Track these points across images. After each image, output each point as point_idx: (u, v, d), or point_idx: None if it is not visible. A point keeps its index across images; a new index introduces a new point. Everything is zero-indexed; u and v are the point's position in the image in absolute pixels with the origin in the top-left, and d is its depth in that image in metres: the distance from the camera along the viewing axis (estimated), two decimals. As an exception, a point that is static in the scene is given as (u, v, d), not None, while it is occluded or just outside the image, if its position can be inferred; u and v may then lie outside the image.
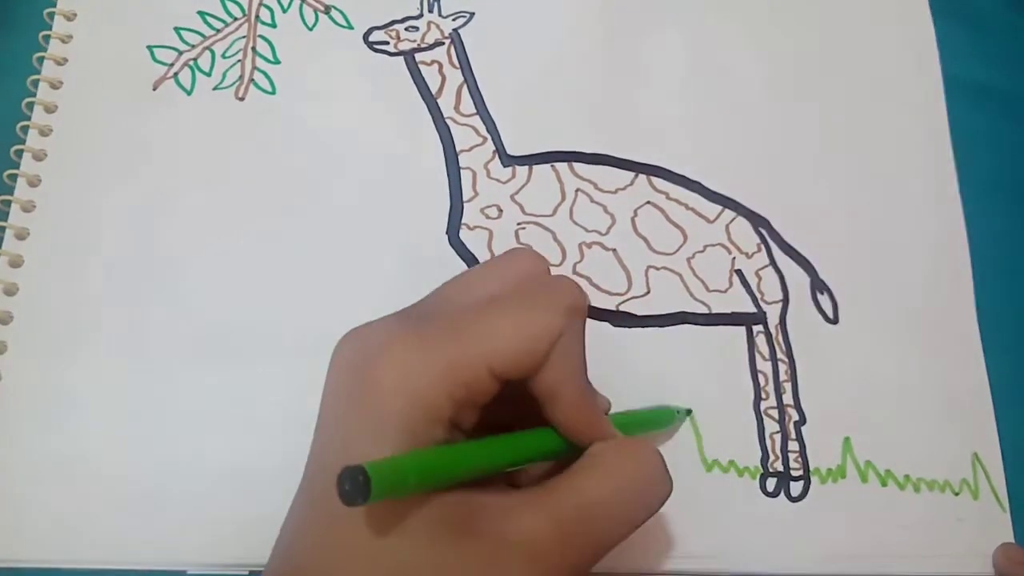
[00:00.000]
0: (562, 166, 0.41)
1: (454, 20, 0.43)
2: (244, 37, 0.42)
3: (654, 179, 0.41)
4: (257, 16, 0.42)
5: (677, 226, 0.40)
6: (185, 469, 0.35)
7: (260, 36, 0.42)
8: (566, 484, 0.26)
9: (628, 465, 0.27)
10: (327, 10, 0.43)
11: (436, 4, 0.43)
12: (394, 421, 0.25)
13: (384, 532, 0.24)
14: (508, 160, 0.41)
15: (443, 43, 0.42)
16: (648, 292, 0.39)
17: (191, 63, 0.41)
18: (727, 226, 0.41)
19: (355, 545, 0.24)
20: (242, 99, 0.41)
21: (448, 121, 0.41)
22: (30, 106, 0.40)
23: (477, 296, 0.28)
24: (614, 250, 0.40)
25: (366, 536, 0.24)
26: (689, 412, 0.37)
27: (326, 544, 0.25)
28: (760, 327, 0.39)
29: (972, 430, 0.39)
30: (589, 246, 0.40)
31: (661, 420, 0.36)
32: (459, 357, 0.25)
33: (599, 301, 0.39)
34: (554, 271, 0.39)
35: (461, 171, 0.40)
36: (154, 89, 0.41)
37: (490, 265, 0.30)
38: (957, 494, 0.38)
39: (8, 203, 0.38)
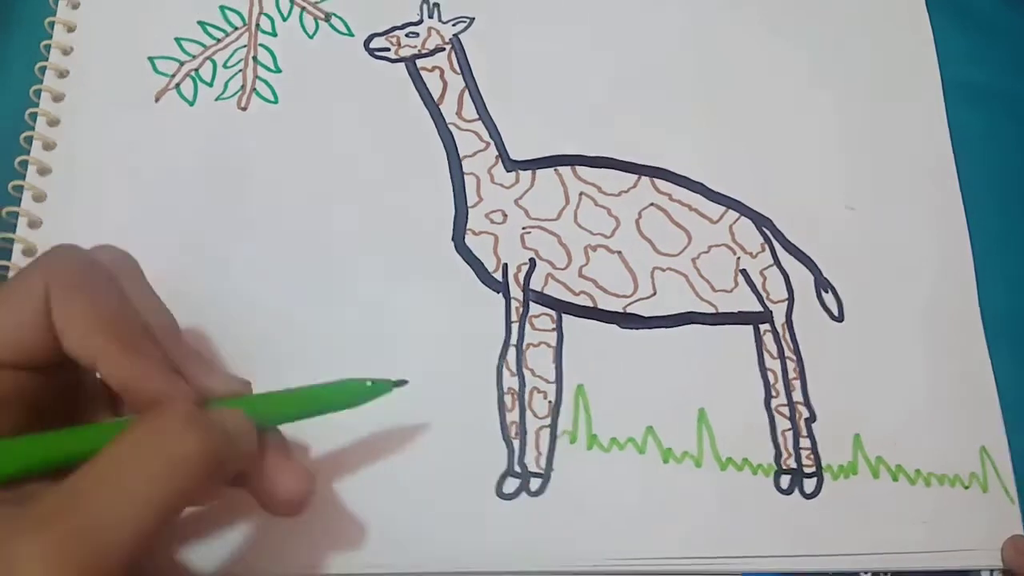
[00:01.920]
0: (565, 170, 0.41)
1: (454, 25, 0.43)
2: (245, 46, 0.42)
3: (657, 181, 0.41)
4: (257, 25, 0.42)
5: (681, 227, 0.41)
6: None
7: (261, 45, 0.42)
8: (78, 478, 0.23)
9: (126, 434, 0.23)
10: (327, 18, 0.43)
11: (436, 10, 0.43)
12: None
13: None
14: (511, 165, 0.41)
15: (444, 49, 0.43)
16: (655, 293, 0.39)
17: (192, 73, 0.41)
18: (730, 226, 0.41)
19: None
20: (245, 109, 0.41)
21: (451, 127, 0.41)
22: (32, 116, 0.40)
23: None
24: (619, 252, 0.40)
25: None
26: (400, 383, 0.31)
27: None
28: (767, 326, 0.39)
29: (979, 423, 0.39)
30: (594, 249, 0.40)
31: (333, 400, 0.31)
32: None
33: (606, 304, 0.39)
34: (560, 274, 0.39)
35: (465, 176, 0.40)
36: (156, 100, 0.41)
37: None
38: (967, 488, 0.38)
39: (15, 215, 0.38)
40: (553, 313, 0.39)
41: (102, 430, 0.26)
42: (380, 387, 0.31)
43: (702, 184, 0.41)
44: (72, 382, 0.28)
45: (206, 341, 0.37)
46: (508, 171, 0.41)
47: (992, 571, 0.37)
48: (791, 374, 0.39)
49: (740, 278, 0.40)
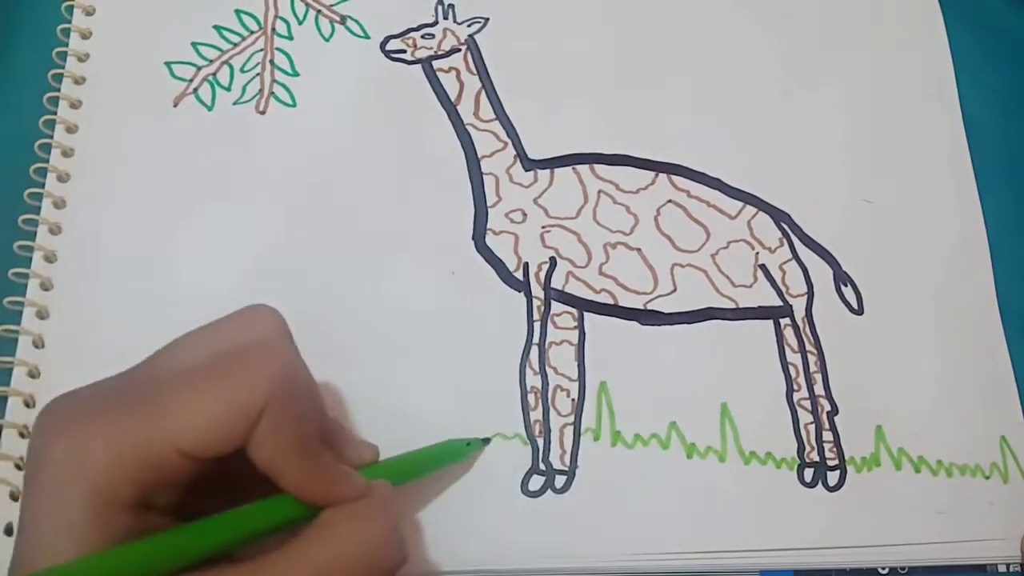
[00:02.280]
0: (583, 168, 0.41)
1: (469, 26, 0.43)
2: (261, 50, 0.42)
3: (674, 178, 0.42)
4: (273, 28, 0.43)
5: (699, 223, 0.41)
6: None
7: (277, 49, 0.42)
8: (283, 558, 0.25)
9: (355, 534, 0.26)
10: (343, 20, 0.43)
11: (451, 11, 0.43)
12: (72, 511, 0.23)
13: None
14: (529, 164, 0.41)
15: (459, 49, 0.43)
16: (675, 290, 0.40)
17: (210, 78, 0.41)
18: (749, 222, 0.41)
19: None
20: (263, 113, 0.41)
21: (468, 127, 0.41)
22: (48, 123, 0.40)
23: (180, 365, 0.26)
24: (639, 249, 0.40)
25: None
26: (487, 441, 0.36)
27: None
28: (787, 320, 0.40)
29: (998, 413, 0.40)
30: (614, 246, 0.40)
31: (443, 457, 0.35)
32: (141, 438, 0.24)
33: (627, 301, 0.39)
34: (580, 272, 0.39)
35: (484, 177, 0.40)
36: (175, 105, 0.41)
37: (211, 327, 0.28)
38: (988, 478, 0.38)
39: (34, 222, 0.38)
40: (574, 311, 0.39)
41: (262, 510, 0.27)
42: (475, 444, 0.36)
43: (719, 180, 0.42)
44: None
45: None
46: (526, 170, 0.41)
47: (1008, 565, 0.37)
48: (812, 368, 0.39)
49: (759, 273, 0.40)
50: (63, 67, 0.41)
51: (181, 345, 0.28)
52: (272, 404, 0.25)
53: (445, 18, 0.43)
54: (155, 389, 0.25)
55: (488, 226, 0.40)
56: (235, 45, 0.42)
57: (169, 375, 0.26)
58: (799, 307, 0.40)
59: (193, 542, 0.25)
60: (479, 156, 0.41)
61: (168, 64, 0.41)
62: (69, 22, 0.42)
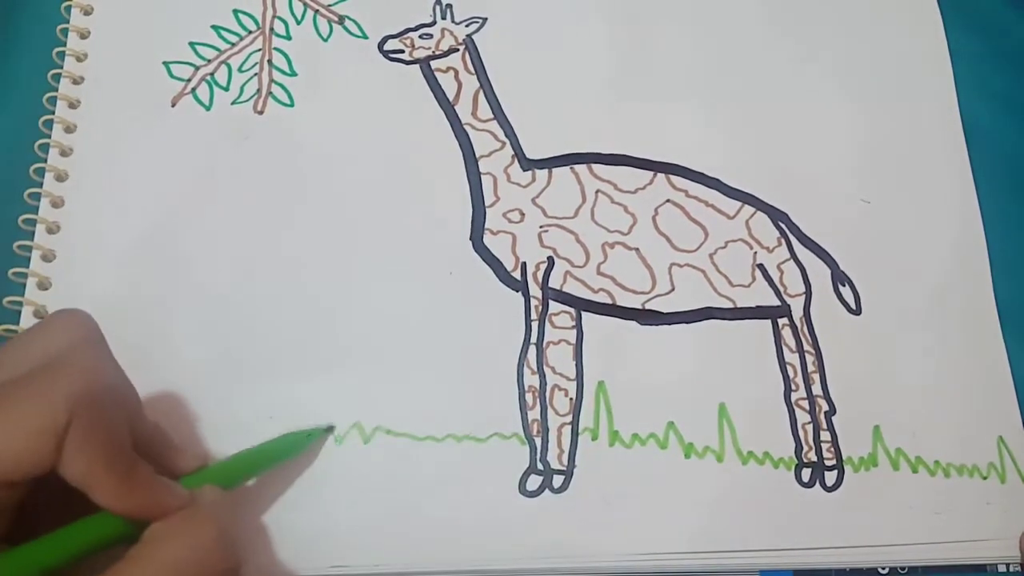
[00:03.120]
0: (581, 168, 0.41)
1: (467, 26, 0.43)
2: (259, 50, 0.42)
3: (673, 177, 0.42)
4: (271, 28, 0.43)
5: (698, 223, 0.41)
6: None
7: (275, 49, 0.42)
8: None
9: (177, 548, 0.26)
10: (341, 20, 0.43)
11: (449, 11, 0.43)
12: None
13: None
14: (527, 164, 0.41)
15: (457, 49, 0.43)
16: (673, 289, 0.40)
17: (208, 78, 0.41)
18: (747, 221, 0.41)
19: None
20: (261, 113, 0.41)
21: (466, 127, 0.41)
22: (47, 124, 0.40)
23: None
24: (637, 249, 0.40)
25: None
26: (330, 429, 0.36)
27: None
28: (785, 320, 0.40)
29: (996, 414, 0.40)
30: (612, 246, 0.40)
31: (281, 452, 0.34)
32: None
33: (625, 300, 0.39)
34: (578, 272, 0.39)
35: (482, 176, 0.41)
36: (173, 105, 0.41)
37: (13, 342, 0.28)
38: (985, 478, 0.38)
39: (32, 222, 0.38)
40: (572, 311, 0.39)
41: (84, 528, 0.27)
42: (316, 434, 0.35)
43: (718, 180, 0.42)
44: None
45: (227, 346, 0.37)
46: (524, 170, 0.41)
47: (1008, 564, 0.37)
48: (810, 367, 0.39)
49: (757, 273, 0.40)
50: (62, 67, 0.41)
51: None
52: (76, 420, 0.25)
53: (443, 18, 0.43)
54: None
55: (486, 226, 0.40)
56: (233, 45, 0.42)
57: None
58: (797, 307, 0.40)
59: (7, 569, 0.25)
60: (477, 156, 0.41)
61: (166, 64, 0.42)
62: (68, 22, 0.42)
